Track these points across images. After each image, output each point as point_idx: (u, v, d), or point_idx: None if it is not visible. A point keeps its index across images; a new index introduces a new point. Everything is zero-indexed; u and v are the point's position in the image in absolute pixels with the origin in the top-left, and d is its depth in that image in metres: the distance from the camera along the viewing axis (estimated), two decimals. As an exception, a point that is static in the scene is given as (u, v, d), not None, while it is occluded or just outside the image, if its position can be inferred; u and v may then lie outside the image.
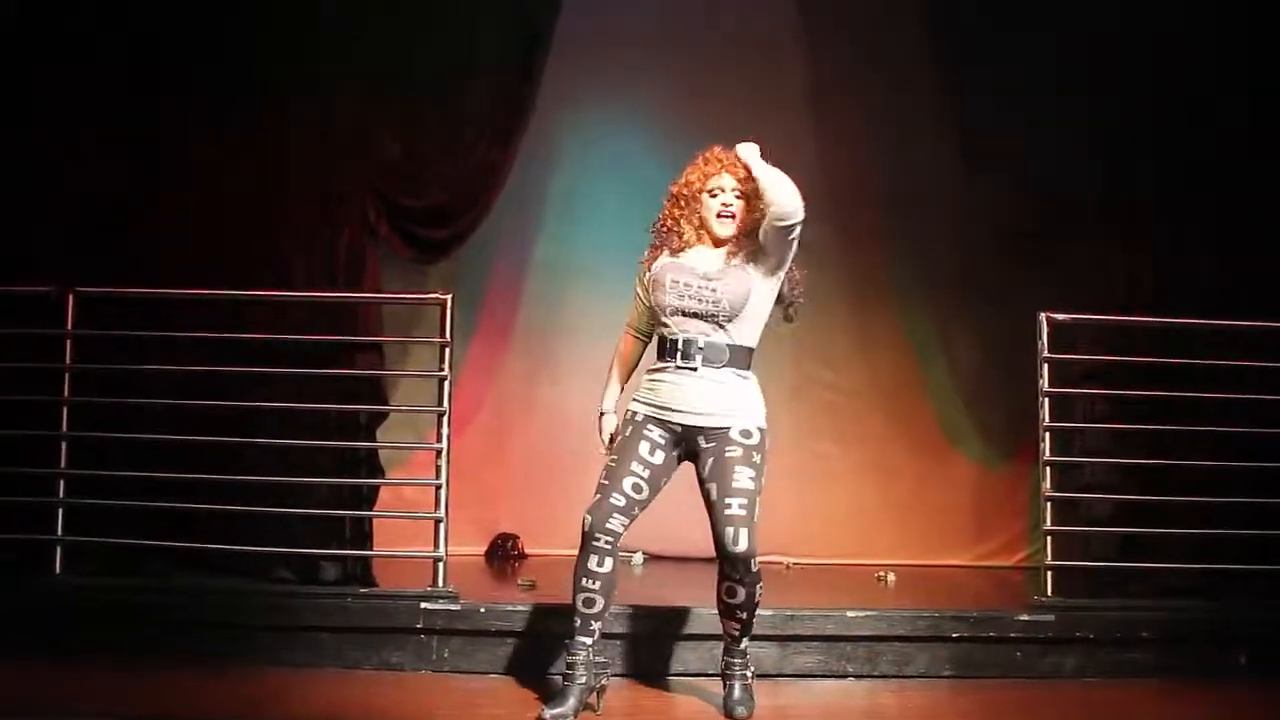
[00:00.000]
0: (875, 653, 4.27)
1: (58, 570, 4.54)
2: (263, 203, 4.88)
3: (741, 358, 3.61)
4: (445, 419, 4.57)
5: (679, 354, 3.57)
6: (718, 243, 3.68)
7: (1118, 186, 5.09)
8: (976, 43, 5.23)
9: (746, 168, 3.61)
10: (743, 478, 3.51)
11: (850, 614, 4.29)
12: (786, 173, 3.59)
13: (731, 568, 3.53)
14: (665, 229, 3.75)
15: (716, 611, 3.71)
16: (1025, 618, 4.38)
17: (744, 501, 3.51)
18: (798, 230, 3.55)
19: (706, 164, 3.71)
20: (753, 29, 6.44)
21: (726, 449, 3.53)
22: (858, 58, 6.32)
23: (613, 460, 3.61)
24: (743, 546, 3.48)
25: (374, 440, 4.89)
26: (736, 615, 3.64)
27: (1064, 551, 4.68)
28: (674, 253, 3.68)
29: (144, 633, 4.23)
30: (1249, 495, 4.60)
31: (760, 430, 3.59)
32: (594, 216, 6.27)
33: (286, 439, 4.62)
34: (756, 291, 3.61)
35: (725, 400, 3.57)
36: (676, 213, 3.72)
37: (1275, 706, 3.91)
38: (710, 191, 3.67)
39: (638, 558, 6.04)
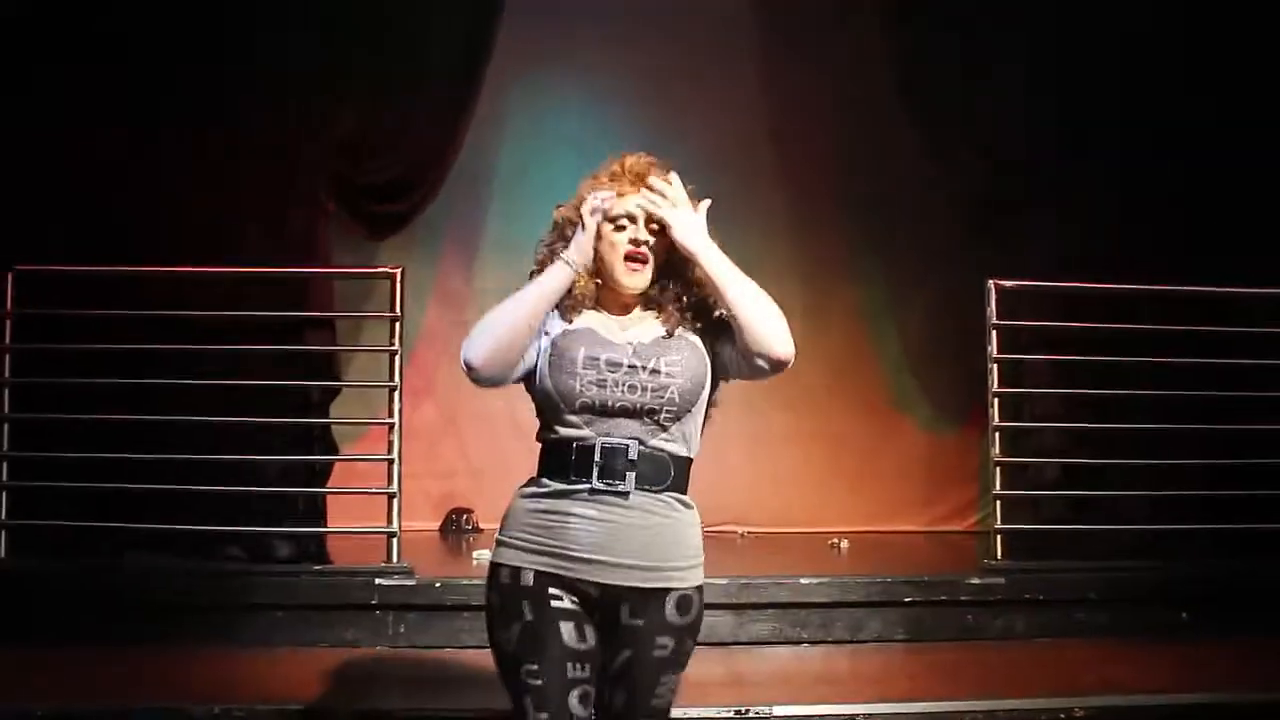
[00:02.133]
0: (829, 619, 4.31)
1: (3, 554, 4.47)
2: (212, 180, 4.84)
3: (684, 475, 2.43)
4: (397, 393, 4.55)
5: (595, 470, 2.35)
6: (623, 301, 2.49)
7: (1071, 157, 5.17)
8: (934, 13, 5.26)
9: (691, 258, 2.43)
10: (665, 691, 2.43)
11: (804, 581, 4.33)
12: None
13: None
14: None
15: None
16: (976, 581, 4.44)
17: None
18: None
19: (613, 179, 2.48)
20: (706, 1, 6.43)
21: (655, 642, 2.38)
22: (811, 27, 6.35)
23: (531, 672, 2.33)
24: None
25: (327, 416, 4.86)
26: None
27: (1014, 515, 4.76)
28: (568, 313, 2.45)
29: (94, 616, 4.18)
30: (1190, 457, 4.71)
31: (699, 593, 2.44)
32: (545, 191, 6.19)
33: (238, 416, 4.59)
34: (710, 373, 2.45)
35: (665, 545, 2.39)
36: (563, 248, 2.47)
37: (1215, 660, 4.01)
38: (616, 222, 2.45)
39: None
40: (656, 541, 2.38)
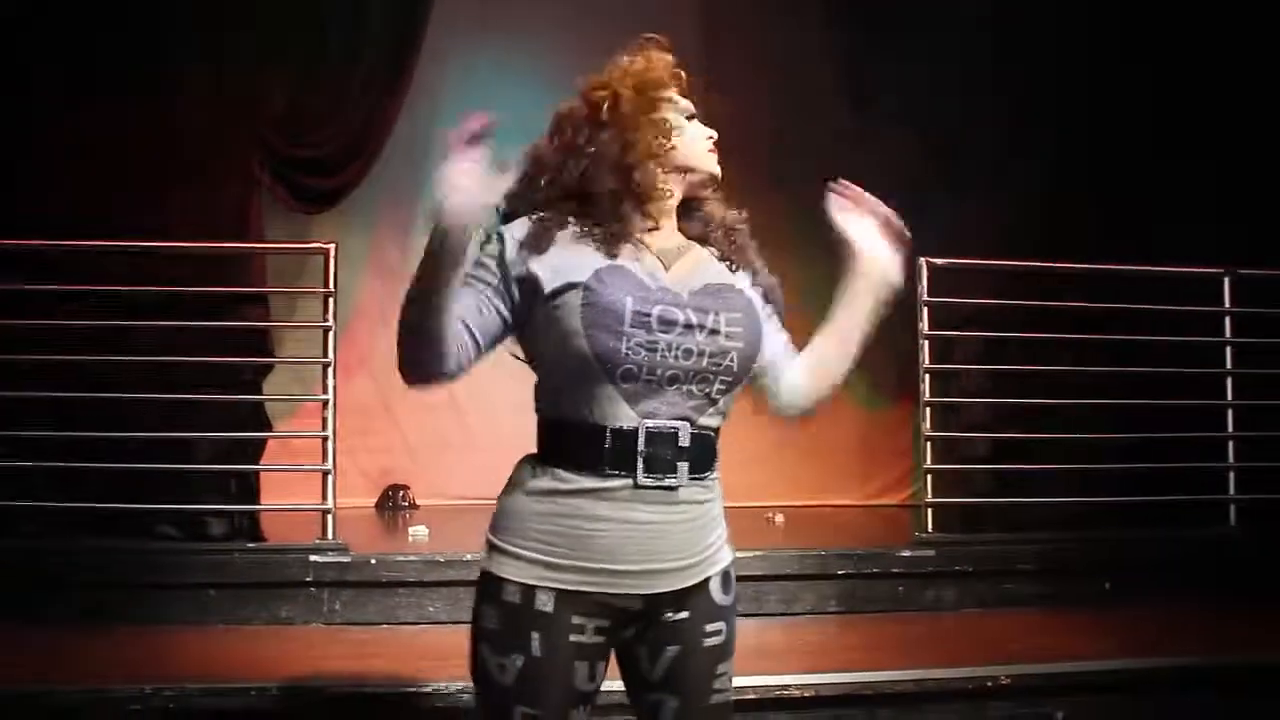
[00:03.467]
0: (763, 592, 4.34)
1: (-77, 535, 4.38)
2: (145, 156, 4.75)
3: (716, 451, 2.05)
4: (331, 369, 4.51)
5: (640, 460, 1.90)
6: (658, 217, 2.02)
7: (1005, 136, 5.26)
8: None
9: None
10: (724, 684, 2.03)
11: (738, 554, 4.35)
12: None
13: None
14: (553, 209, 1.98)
15: None
16: (907, 553, 4.51)
17: None
18: None
19: (662, 64, 2.10)
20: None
21: (705, 630, 2.00)
22: (753, 10, 6.36)
23: (529, 715, 1.91)
24: None
25: (260, 392, 4.81)
26: None
27: (945, 489, 4.85)
28: (611, 243, 1.94)
29: (19, 595, 4.07)
30: (1115, 432, 4.83)
31: (733, 565, 2.08)
32: (481, 163, 6.23)
33: (170, 393, 4.52)
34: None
35: (705, 532, 2.01)
36: (638, 149, 1.97)
37: (1135, 627, 4.12)
38: (687, 112, 2.09)
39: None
40: (700, 533, 1.99)
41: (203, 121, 4.80)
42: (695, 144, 2.04)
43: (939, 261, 4.78)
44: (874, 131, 5.58)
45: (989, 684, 3.48)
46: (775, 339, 2.14)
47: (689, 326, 1.91)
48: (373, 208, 6.24)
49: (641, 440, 1.89)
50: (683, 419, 1.92)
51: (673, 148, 2.00)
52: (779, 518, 5.70)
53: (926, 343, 4.76)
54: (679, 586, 1.96)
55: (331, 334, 4.53)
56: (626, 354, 1.87)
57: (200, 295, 4.67)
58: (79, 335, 4.48)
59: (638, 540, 1.91)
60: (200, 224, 4.79)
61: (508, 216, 2.00)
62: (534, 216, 1.97)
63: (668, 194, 2.00)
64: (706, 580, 2.00)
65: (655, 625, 1.98)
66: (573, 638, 1.91)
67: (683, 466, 1.92)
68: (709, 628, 2.00)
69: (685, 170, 2.04)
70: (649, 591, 1.94)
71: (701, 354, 1.92)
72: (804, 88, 6.23)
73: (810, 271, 6.67)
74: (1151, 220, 5.16)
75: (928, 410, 4.78)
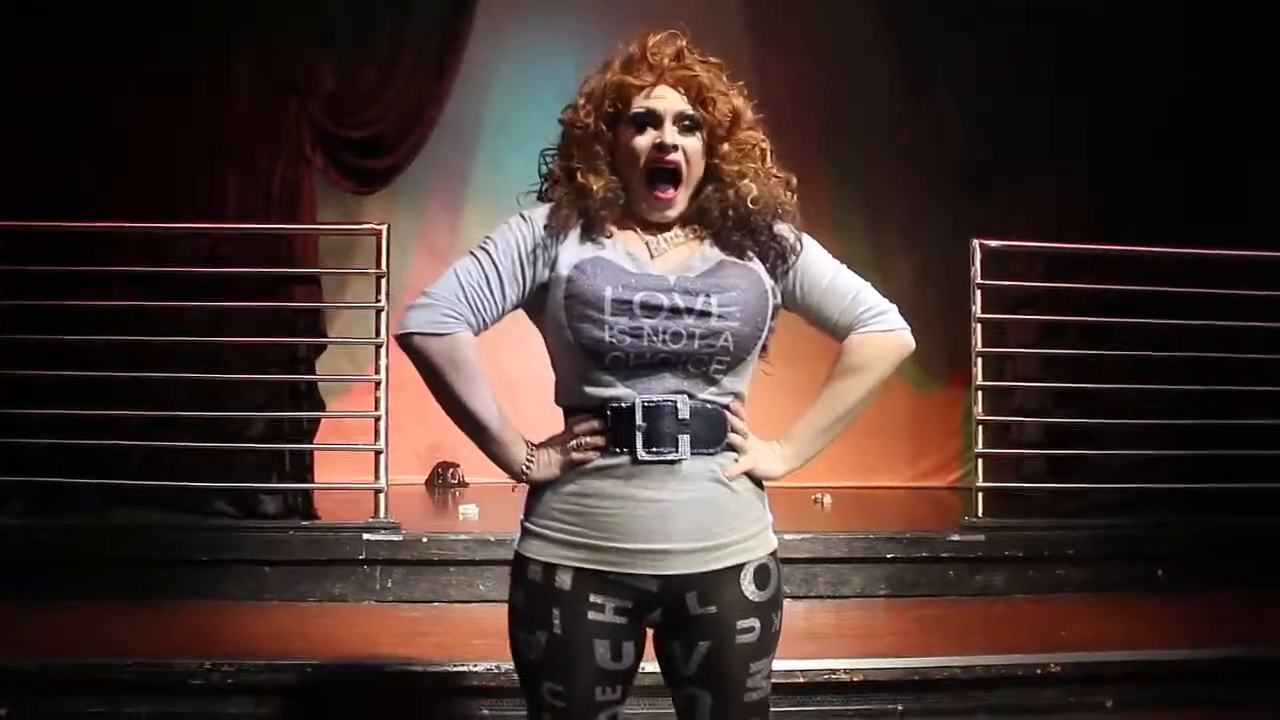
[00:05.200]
0: (812, 574, 4.36)
1: (-10, 510, 4.48)
2: (197, 137, 4.78)
3: (727, 428, 2.03)
4: (383, 350, 4.56)
5: (640, 436, 1.93)
6: (651, 218, 2.03)
7: (1059, 117, 5.17)
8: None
9: None
10: (759, 682, 2.03)
11: (787, 537, 4.32)
12: None
13: None
14: (558, 197, 2.04)
15: None
16: (957, 538, 4.49)
17: None
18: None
19: (630, 67, 2.03)
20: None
21: (738, 627, 1.99)
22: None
23: (554, 692, 1.97)
24: None
25: (313, 372, 4.87)
26: None
27: (995, 473, 4.81)
28: (591, 230, 2.00)
29: (81, 572, 4.18)
30: (1169, 417, 4.76)
31: (775, 559, 2.08)
32: (531, 141, 6.18)
33: (224, 373, 4.58)
34: (771, 311, 2.05)
35: (729, 515, 2.00)
36: (577, 163, 2.03)
37: (1188, 616, 4.08)
38: (635, 119, 2.00)
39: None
40: (719, 514, 1.98)
41: (253, 101, 4.82)
42: (627, 155, 2.01)
43: (992, 243, 4.73)
44: (925, 112, 5.51)
45: (1039, 671, 3.47)
46: (821, 293, 2.13)
47: (675, 310, 1.93)
48: (423, 188, 6.28)
49: (639, 415, 1.93)
50: (681, 393, 1.95)
51: (592, 166, 2.02)
52: (827, 499, 5.68)
53: (979, 326, 4.71)
54: (696, 570, 1.96)
55: (384, 314, 4.57)
56: (611, 342, 1.92)
57: (253, 275, 4.72)
58: (135, 315, 4.55)
59: (644, 519, 1.94)
60: (254, 205, 4.83)
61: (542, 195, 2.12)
62: (550, 208, 2.05)
63: (612, 202, 2.01)
64: (737, 573, 2.00)
65: (685, 618, 1.99)
66: (592, 616, 1.96)
67: (684, 440, 1.94)
68: (741, 624, 1.99)
69: (631, 185, 2.02)
70: (662, 572, 1.95)
71: (692, 336, 1.93)
72: (853, 70, 6.18)
73: (855, 249, 6.66)
74: (1220, 202, 5.03)
75: (979, 394, 4.74)
